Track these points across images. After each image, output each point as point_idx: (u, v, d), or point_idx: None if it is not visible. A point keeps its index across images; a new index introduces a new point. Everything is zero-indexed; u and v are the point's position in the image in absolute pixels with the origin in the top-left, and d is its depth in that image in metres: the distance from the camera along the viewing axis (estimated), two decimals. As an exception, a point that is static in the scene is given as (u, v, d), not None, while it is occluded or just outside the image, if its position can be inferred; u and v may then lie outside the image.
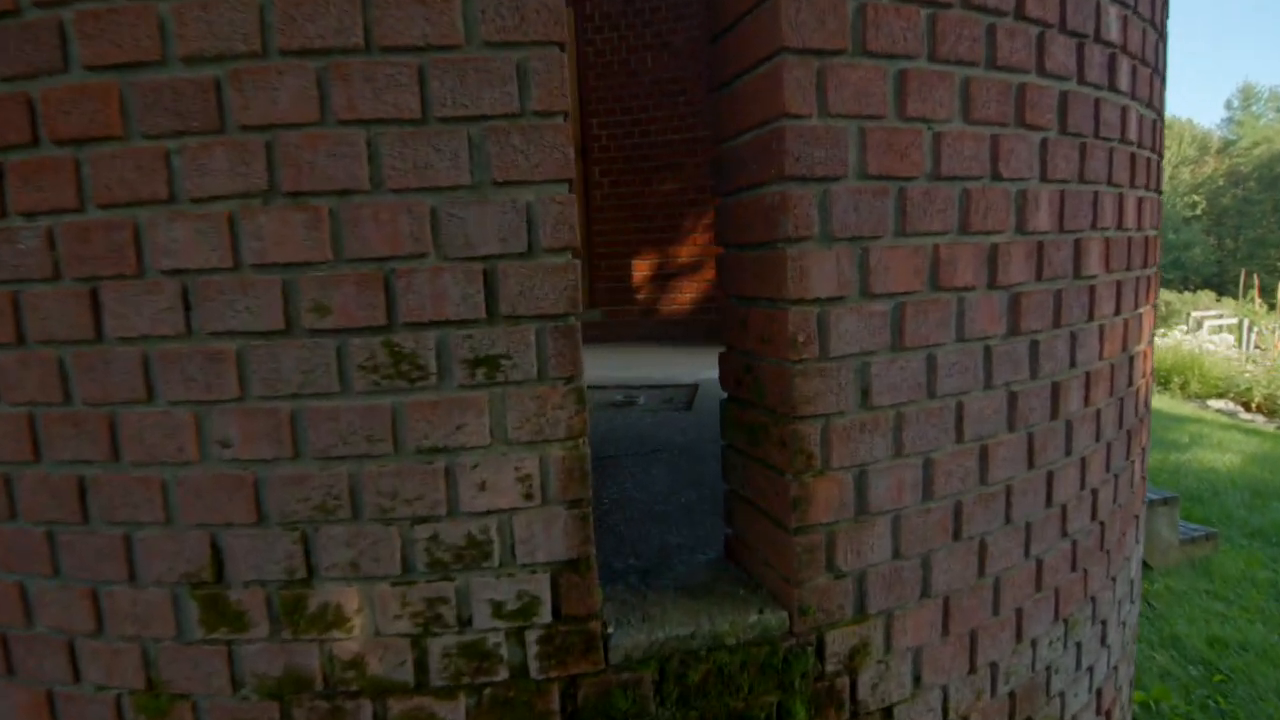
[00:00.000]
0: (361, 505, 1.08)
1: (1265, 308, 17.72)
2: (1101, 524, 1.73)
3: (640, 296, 5.81)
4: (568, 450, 1.09)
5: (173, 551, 1.11)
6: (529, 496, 1.09)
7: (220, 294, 1.04)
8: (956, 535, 1.35)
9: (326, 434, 1.06)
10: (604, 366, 4.55)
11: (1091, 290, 1.54)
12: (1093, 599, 1.76)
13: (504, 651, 1.12)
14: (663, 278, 5.74)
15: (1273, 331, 13.22)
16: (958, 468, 1.33)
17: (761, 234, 1.20)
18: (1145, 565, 4.04)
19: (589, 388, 3.99)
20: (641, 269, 5.79)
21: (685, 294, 5.72)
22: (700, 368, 4.34)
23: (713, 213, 5.45)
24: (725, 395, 1.43)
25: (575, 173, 1.12)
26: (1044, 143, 1.37)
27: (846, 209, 1.15)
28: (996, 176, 1.30)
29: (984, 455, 1.37)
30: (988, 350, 1.34)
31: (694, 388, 3.73)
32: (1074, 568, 1.64)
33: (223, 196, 1.02)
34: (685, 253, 5.69)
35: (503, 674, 1.13)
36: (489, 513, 1.09)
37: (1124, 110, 1.57)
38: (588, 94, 5.69)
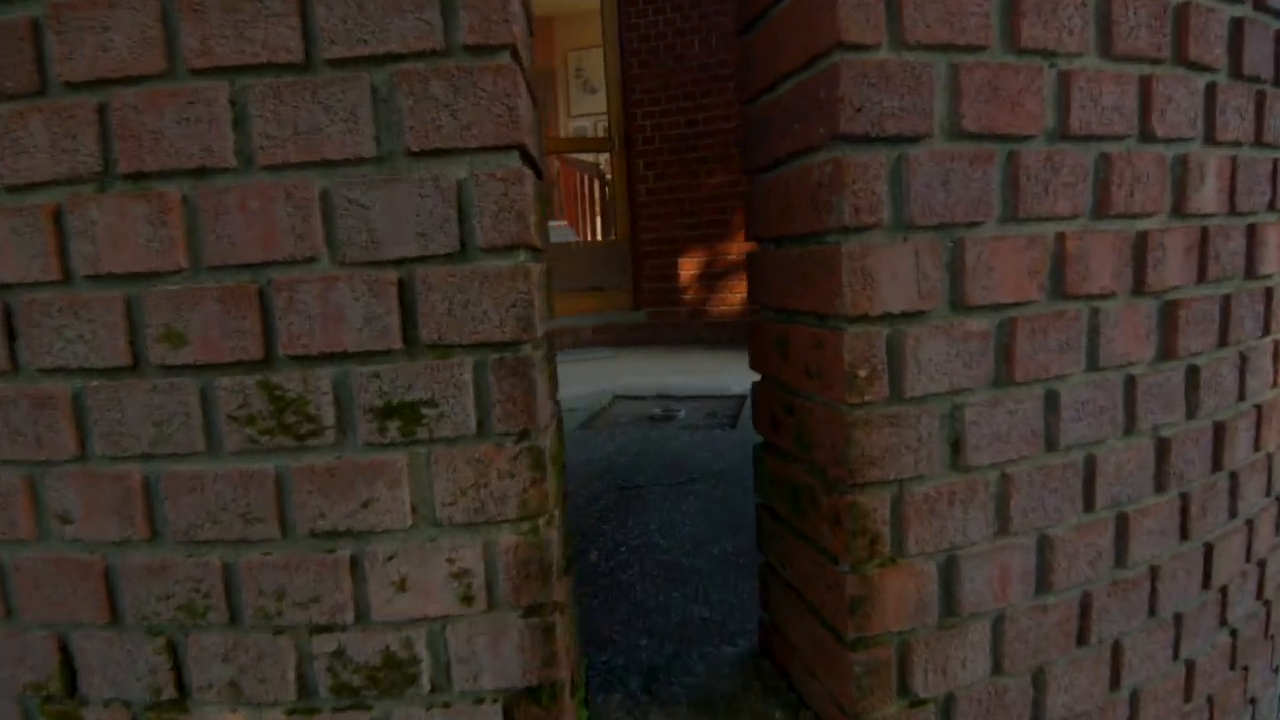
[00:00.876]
0: (241, 606, 0.78)
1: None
2: (1267, 604, 1.30)
3: (687, 297, 5.46)
4: (522, 536, 0.76)
5: (14, 655, 0.83)
6: (468, 600, 0.77)
7: (47, 317, 0.75)
8: (1082, 639, 0.97)
9: (190, 509, 0.77)
10: (645, 373, 4.22)
11: (1268, 295, 1.13)
12: (1252, 701, 1.33)
13: (441, 808, 0.81)
14: (711, 277, 5.37)
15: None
16: (1085, 547, 0.95)
17: (806, 222, 0.85)
18: None
19: (626, 398, 3.67)
20: (688, 268, 5.44)
21: (735, 294, 5.33)
22: (749, 376, 3.96)
23: (765, 206, 5.06)
24: (760, 440, 1.08)
25: (534, 135, 0.79)
26: (1211, 89, 0.97)
27: (931, 183, 0.79)
28: (1147, 136, 0.91)
29: (1122, 528, 0.98)
30: (1130, 382, 0.95)
31: (741, 400, 3.36)
32: (1233, 665, 1.23)
33: (44, 184, 0.74)
34: (735, 250, 5.30)
35: (440, 839, 0.81)
36: (413, 621, 0.78)
37: (1318, 46, 1.14)
38: (630, 83, 5.37)
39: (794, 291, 0.90)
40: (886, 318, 0.79)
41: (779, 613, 1.06)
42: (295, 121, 0.70)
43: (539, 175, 0.93)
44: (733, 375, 3.99)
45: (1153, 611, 1.04)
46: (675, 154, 5.33)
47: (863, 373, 0.79)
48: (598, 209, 8.55)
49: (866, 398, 0.80)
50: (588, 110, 12.60)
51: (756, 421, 1.07)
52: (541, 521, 0.77)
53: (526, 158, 0.76)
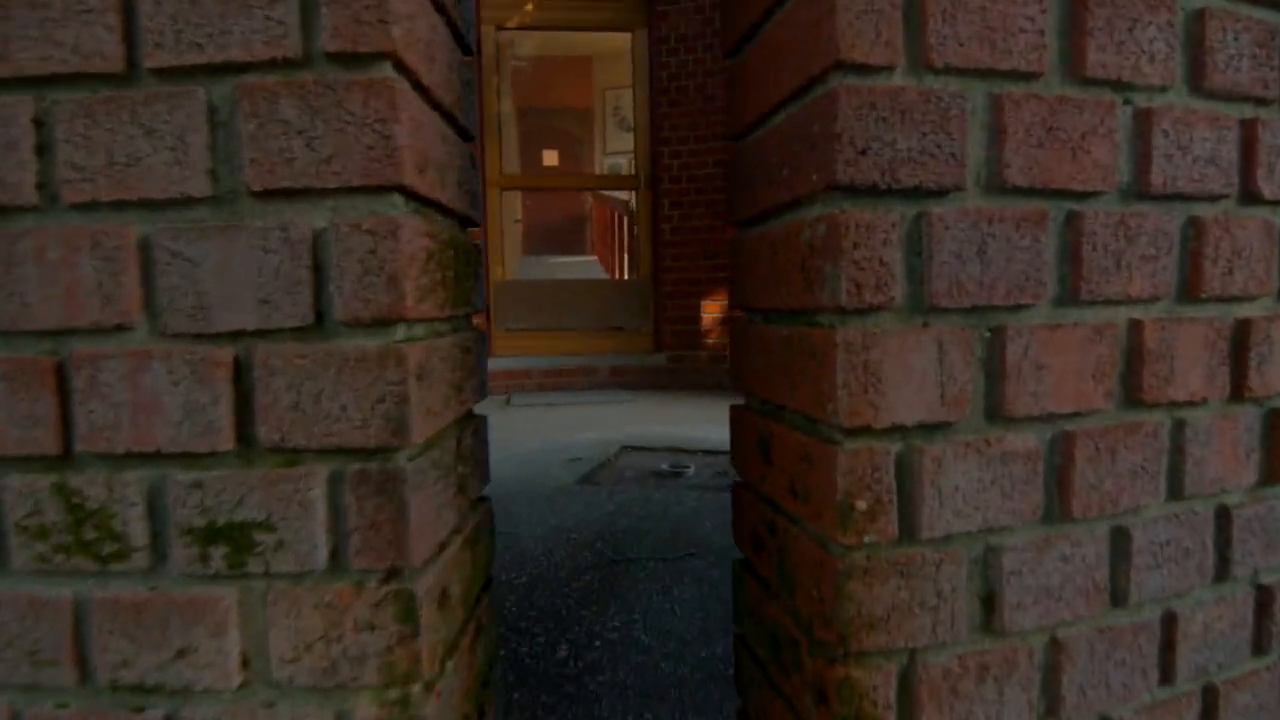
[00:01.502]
0: (20, 778, 0.59)
1: None
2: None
3: (709, 341, 5.26)
4: (387, 709, 0.56)
5: None
6: (310, 793, 0.57)
7: None
8: None
9: (-39, 646, 0.58)
10: (661, 421, 4.01)
11: (1397, 396, 0.89)
12: None
13: None
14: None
15: None
16: (1164, 731, 0.71)
17: (795, 295, 0.65)
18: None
19: (635, 449, 3.45)
20: (712, 310, 5.25)
21: (759, 340, 5.12)
22: (768, 430, 3.72)
23: (793, 251, 4.87)
24: (740, 557, 0.86)
25: (438, 173, 0.61)
26: (1331, 138, 0.75)
27: (963, 252, 0.58)
28: (1250, 196, 0.70)
29: (1210, 705, 0.74)
30: (1223, 515, 0.72)
31: (756, 458, 3.12)
32: None
33: None
34: (761, 294, 5.10)
35: None
36: (237, 817, 0.57)
37: None
38: (659, 121, 5.27)
39: (780, 382, 0.69)
40: (897, 431, 0.59)
41: (758, 778, 0.84)
42: (110, 148, 0.53)
43: (468, 221, 0.75)
44: (751, 428, 3.76)
45: (1250, 810, 0.79)
46: (701, 194, 5.19)
47: (862, 504, 0.58)
48: (626, 247, 8.46)
49: (867, 538, 0.59)
50: (623, 148, 12.66)
51: (736, 532, 0.86)
52: (415, 690, 0.57)
53: (421, 200, 0.58)
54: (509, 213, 5.86)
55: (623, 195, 9.39)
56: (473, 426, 0.75)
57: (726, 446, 3.35)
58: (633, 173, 5.50)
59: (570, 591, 1.73)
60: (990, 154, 0.59)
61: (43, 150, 0.55)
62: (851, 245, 0.56)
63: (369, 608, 0.55)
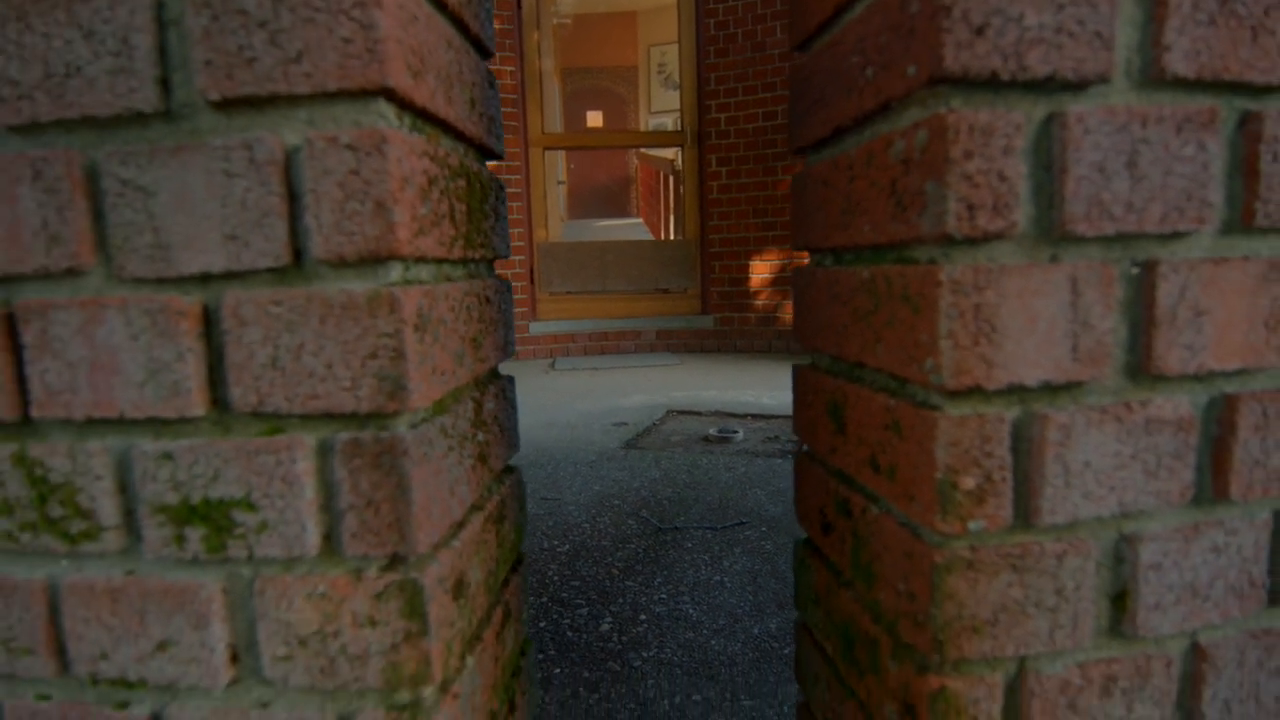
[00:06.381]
0: (2, 776, 0.53)
1: None
2: None
3: (759, 302, 5.09)
4: (396, 716, 0.48)
5: None
6: (309, 808, 0.49)
7: None
8: None
9: (-70, 632, 0.52)
10: (708, 385, 3.90)
11: None
12: None
13: None
14: (785, 282, 4.98)
15: None
16: (1326, 754, 0.59)
17: (880, 226, 0.53)
18: None
19: (682, 413, 3.35)
20: (761, 271, 5.07)
21: (810, 301, 4.92)
22: (820, 393, 3.58)
23: (847, 206, 4.63)
24: (803, 536, 0.76)
25: (439, 80, 0.50)
26: None
27: (1107, 164, 0.45)
28: None
29: (1385, 722, 0.61)
30: None
31: (808, 422, 2.99)
32: None
33: None
34: (812, 253, 4.89)
35: None
36: (230, 830, 0.51)
37: None
38: (706, 73, 5.04)
39: (857, 335, 0.58)
40: (1014, 393, 0.47)
41: (822, 783, 0.74)
42: (46, 56, 0.44)
43: (486, 152, 0.65)
44: (802, 392, 3.62)
45: None
46: (750, 149, 4.97)
47: (968, 483, 0.47)
48: (672, 208, 8.28)
49: (972, 524, 0.47)
50: (668, 107, 12.35)
51: (799, 510, 0.75)
52: (427, 693, 0.48)
53: (418, 112, 0.47)
54: (552, 174, 5.74)
55: (668, 154, 9.16)
56: (496, 388, 0.65)
57: (777, 410, 3.23)
58: (678, 129, 5.30)
59: (614, 561, 1.66)
60: (1145, 35, 0.45)
61: (-26, 61, 0.46)
62: (962, 155, 0.43)
63: (369, 600, 0.46)
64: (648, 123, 12.50)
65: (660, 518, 1.94)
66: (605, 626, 1.36)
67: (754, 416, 3.19)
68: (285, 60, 0.42)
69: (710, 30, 5.00)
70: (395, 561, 0.47)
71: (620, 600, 1.47)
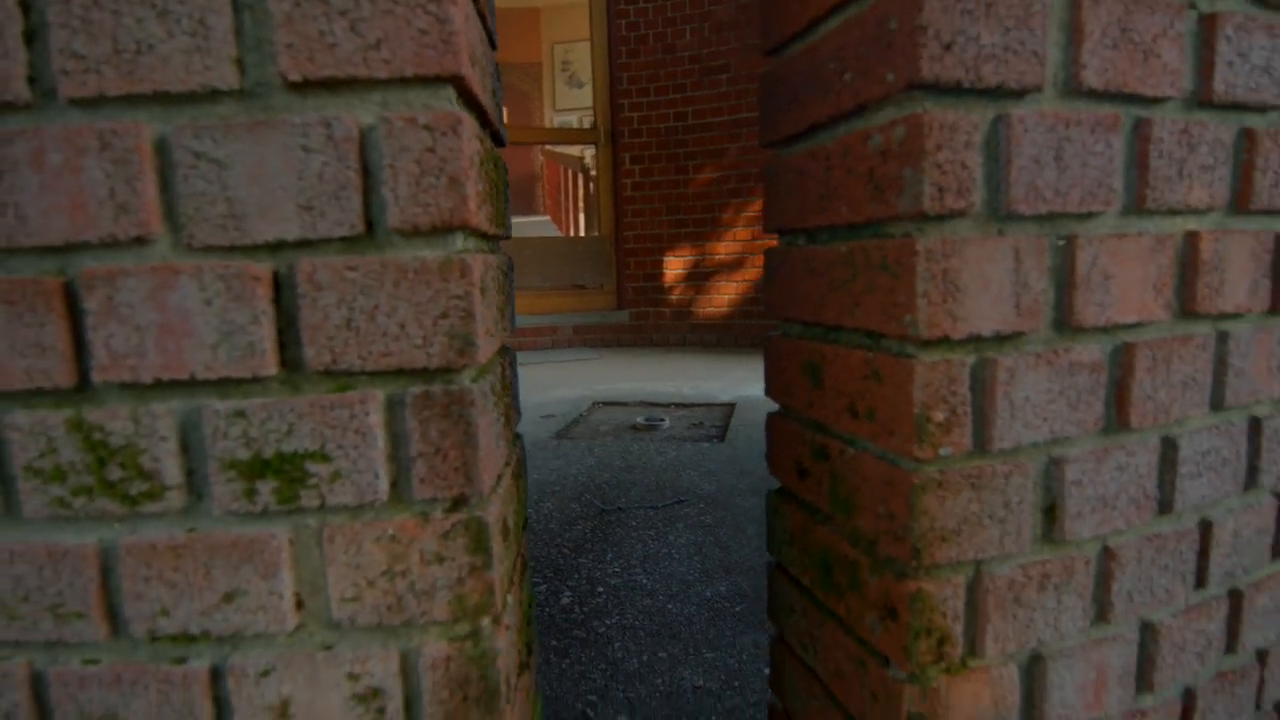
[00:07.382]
0: (47, 741, 0.54)
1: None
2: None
3: (673, 298, 5.24)
4: (457, 644, 0.53)
5: None
6: (376, 737, 0.54)
7: None
8: (1184, 749, 0.76)
9: (-31, 602, 0.52)
10: (629, 378, 3.99)
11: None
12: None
13: None
14: (698, 277, 5.15)
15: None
16: (1195, 634, 0.74)
17: (858, 208, 0.62)
18: None
19: (608, 404, 3.43)
20: (675, 267, 5.22)
21: (723, 295, 5.12)
22: (738, 382, 3.75)
23: (757, 205, 4.85)
24: (777, 486, 0.85)
25: (483, 71, 0.56)
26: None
27: (1041, 156, 0.57)
28: (1293, 108, 0.70)
29: (1235, 608, 0.77)
30: (1255, 426, 0.74)
31: (729, 409, 3.14)
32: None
33: None
34: (724, 249, 5.09)
35: None
36: (296, 766, 0.54)
37: None
38: (618, 73, 5.13)
39: (835, 301, 0.67)
40: (973, 341, 0.57)
41: (795, 702, 0.84)
42: (115, 33, 0.47)
43: (497, 139, 0.70)
44: (720, 382, 3.78)
45: (1259, 705, 0.83)
46: (663, 148, 5.11)
47: (939, 416, 0.57)
48: (581, 205, 8.31)
49: (942, 450, 0.58)
50: (573, 105, 12.35)
51: (773, 463, 0.84)
52: (485, 623, 0.54)
53: (469, 99, 0.53)
54: (463, 168, 5.65)
55: (575, 152, 9.18)
56: (510, 357, 0.70)
57: (698, 400, 3.36)
58: (587, 127, 5.36)
59: (565, 542, 1.72)
60: (1067, 54, 0.57)
61: (31, 37, 0.47)
62: (935, 147, 0.53)
63: (437, 539, 0.51)
64: (553, 120, 12.47)
65: (602, 500, 2.01)
66: (565, 600, 1.42)
67: (677, 405, 3.31)
68: (365, 47, 0.46)
69: (621, 30, 5.09)
70: (459, 503, 0.52)
71: (576, 575, 1.53)
